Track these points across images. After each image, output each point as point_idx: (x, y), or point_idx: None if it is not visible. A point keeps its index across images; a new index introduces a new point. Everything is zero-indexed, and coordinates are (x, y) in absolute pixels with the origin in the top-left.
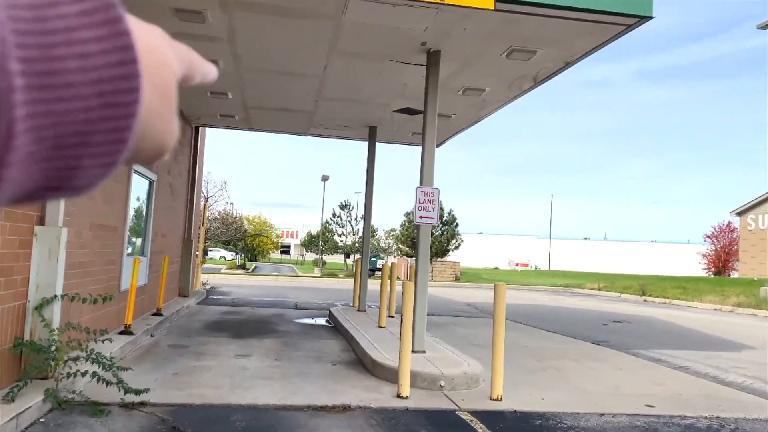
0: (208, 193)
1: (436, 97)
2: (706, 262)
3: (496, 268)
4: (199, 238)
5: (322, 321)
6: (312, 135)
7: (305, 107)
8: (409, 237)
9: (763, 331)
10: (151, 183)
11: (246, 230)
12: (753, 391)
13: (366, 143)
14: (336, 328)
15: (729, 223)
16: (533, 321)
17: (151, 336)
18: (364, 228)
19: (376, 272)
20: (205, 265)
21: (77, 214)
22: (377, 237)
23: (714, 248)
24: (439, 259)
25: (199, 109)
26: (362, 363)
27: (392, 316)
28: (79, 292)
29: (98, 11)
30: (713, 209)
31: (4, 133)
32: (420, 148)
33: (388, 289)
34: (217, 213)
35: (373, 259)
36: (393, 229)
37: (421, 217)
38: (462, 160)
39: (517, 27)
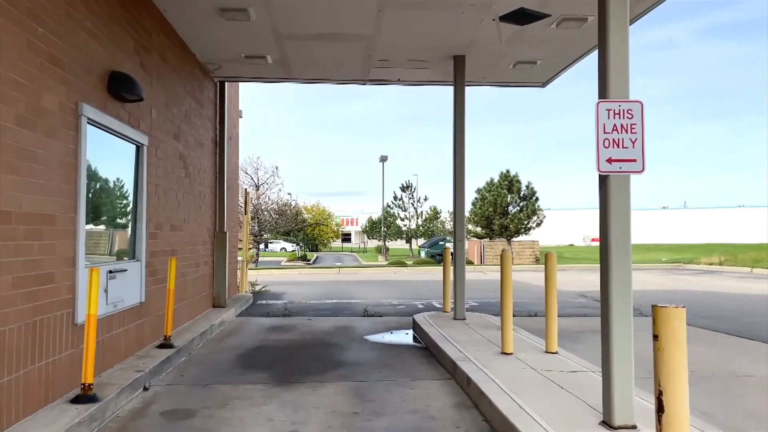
0: (259, 180)
1: None
2: None
3: (571, 245)
4: (241, 229)
5: (405, 336)
6: (372, 82)
7: (362, 28)
8: (483, 216)
9: None
10: (138, 148)
11: (305, 220)
12: None
13: (447, 87)
14: (429, 351)
15: None
16: (697, 318)
17: (145, 389)
18: (454, 198)
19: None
20: (263, 259)
21: None
22: (441, 219)
23: None
24: (515, 239)
25: (217, 48)
26: None
27: None
28: None
29: None
30: None
31: None
32: (522, 89)
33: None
34: (270, 201)
35: (440, 243)
36: None
37: (610, 161)
38: (517, 136)
39: None
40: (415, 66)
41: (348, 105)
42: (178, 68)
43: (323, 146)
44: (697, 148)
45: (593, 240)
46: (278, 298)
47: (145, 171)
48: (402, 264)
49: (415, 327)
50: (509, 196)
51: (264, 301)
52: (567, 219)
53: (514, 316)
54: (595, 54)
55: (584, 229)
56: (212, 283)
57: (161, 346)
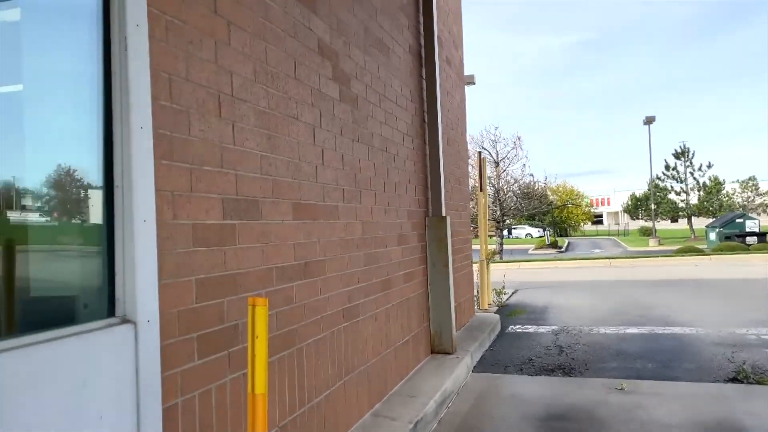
0: (498, 155)
1: None
2: None
3: None
4: (474, 214)
5: None
6: None
7: None
8: None
9: None
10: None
11: (551, 202)
12: None
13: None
14: None
15: None
16: None
17: None
18: None
19: (748, 239)
20: (508, 247)
21: None
22: (725, 191)
23: None
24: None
25: None
26: None
27: None
28: None
29: None
30: None
31: None
32: None
33: None
34: (513, 180)
35: (738, 220)
36: (752, 178)
37: None
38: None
39: None
40: None
41: (586, 76)
42: None
43: (562, 125)
44: None
45: None
46: (539, 320)
47: (142, 42)
48: (697, 251)
49: None
50: None
51: (518, 328)
52: None
53: None
54: None
55: None
56: (426, 312)
57: None
